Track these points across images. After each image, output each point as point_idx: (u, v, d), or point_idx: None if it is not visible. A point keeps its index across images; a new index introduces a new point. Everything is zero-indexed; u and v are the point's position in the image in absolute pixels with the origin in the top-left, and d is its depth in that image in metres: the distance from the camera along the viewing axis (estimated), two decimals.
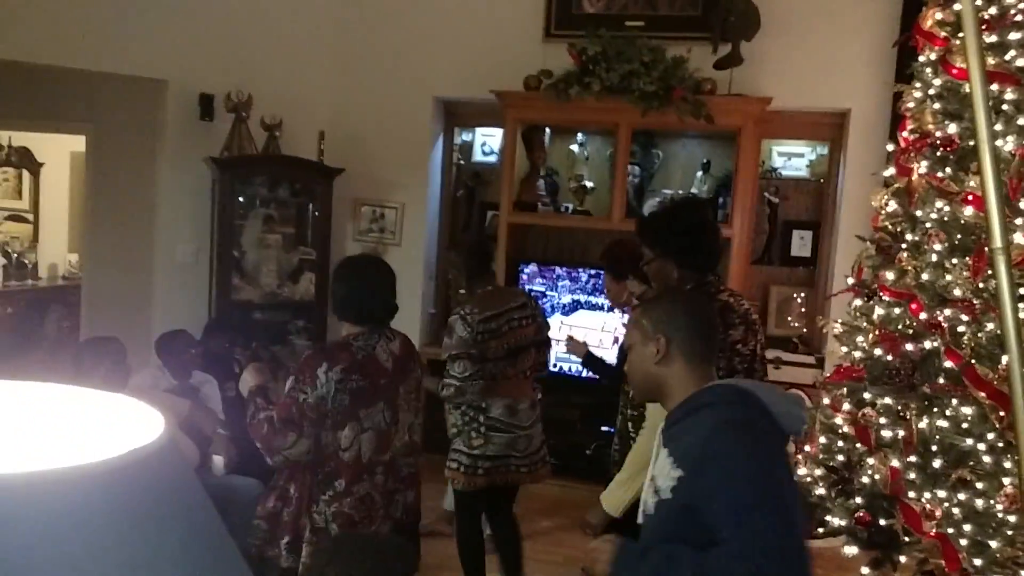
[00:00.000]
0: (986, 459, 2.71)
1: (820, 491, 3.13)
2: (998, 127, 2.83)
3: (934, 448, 2.85)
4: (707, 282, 2.76)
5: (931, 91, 3.18)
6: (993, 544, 2.65)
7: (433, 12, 5.40)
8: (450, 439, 3.58)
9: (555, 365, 5.10)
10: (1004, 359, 2.45)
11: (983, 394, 2.67)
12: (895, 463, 2.91)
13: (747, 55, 4.75)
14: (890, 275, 3.17)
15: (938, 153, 3.06)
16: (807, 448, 3.30)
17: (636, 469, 2.61)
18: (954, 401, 2.81)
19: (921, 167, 3.10)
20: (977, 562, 2.66)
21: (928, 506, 2.81)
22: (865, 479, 3.03)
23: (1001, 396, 2.57)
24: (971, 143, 2.87)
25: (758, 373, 2.71)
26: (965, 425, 2.77)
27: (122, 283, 5.39)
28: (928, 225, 3.05)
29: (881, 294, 3.22)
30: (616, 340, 4.88)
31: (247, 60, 5.12)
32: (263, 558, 2.72)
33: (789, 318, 5.15)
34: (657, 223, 2.81)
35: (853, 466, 3.09)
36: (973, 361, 2.72)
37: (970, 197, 2.87)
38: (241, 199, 5.21)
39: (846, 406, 3.22)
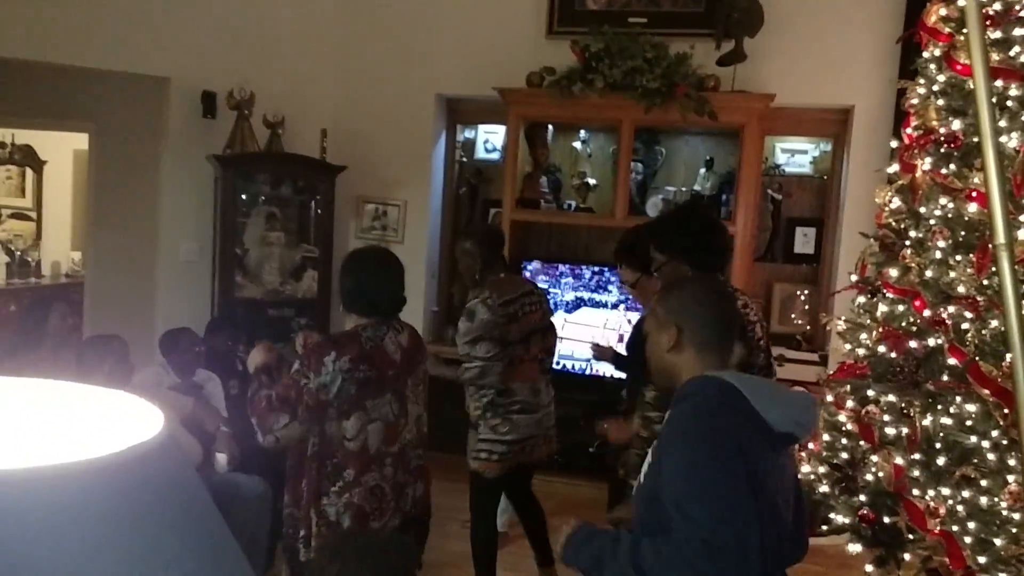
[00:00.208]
0: (990, 456, 2.70)
1: (824, 488, 3.13)
2: (1002, 123, 2.81)
3: (938, 445, 2.84)
4: (722, 284, 2.77)
5: (935, 87, 3.17)
6: (997, 542, 2.64)
7: (436, 9, 5.39)
8: (473, 427, 3.63)
9: (558, 363, 5.10)
10: (1008, 356, 2.45)
11: (987, 391, 2.66)
12: (899, 460, 2.90)
13: (750, 51, 4.73)
14: (894, 272, 3.16)
15: (942, 150, 3.05)
16: (811, 445, 3.29)
17: None
18: (958, 398, 2.80)
19: (925, 164, 3.09)
20: (981, 560, 2.65)
21: (932, 504, 2.81)
22: (869, 476, 3.03)
23: (1005, 393, 2.57)
24: (975, 139, 2.86)
25: (752, 369, 2.72)
26: (969, 422, 2.76)
27: (125, 281, 5.39)
28: (932, 222, 3.04)
29: (885, 291, 3.21)
30: (621, 338, 4.87)
31: (250, 58, 5.12)
32: (296, 548, 2.75)
33: (792, 315, 5.14)
34: (666, 226, 2.82)
35: (857, 463, 3.08)
36: (977, 358, 2.71)
37: (974, 194, 2.86)
38: (244, 197, 5.21)
39: (850, 403, 3.21)
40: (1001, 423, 2.66)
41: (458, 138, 5.76)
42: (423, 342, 2.96)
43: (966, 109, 2.99)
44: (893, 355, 3.05)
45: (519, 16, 5.20)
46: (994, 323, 2.73)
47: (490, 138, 5.72)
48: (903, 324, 3.09)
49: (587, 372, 5.05)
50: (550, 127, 5.32)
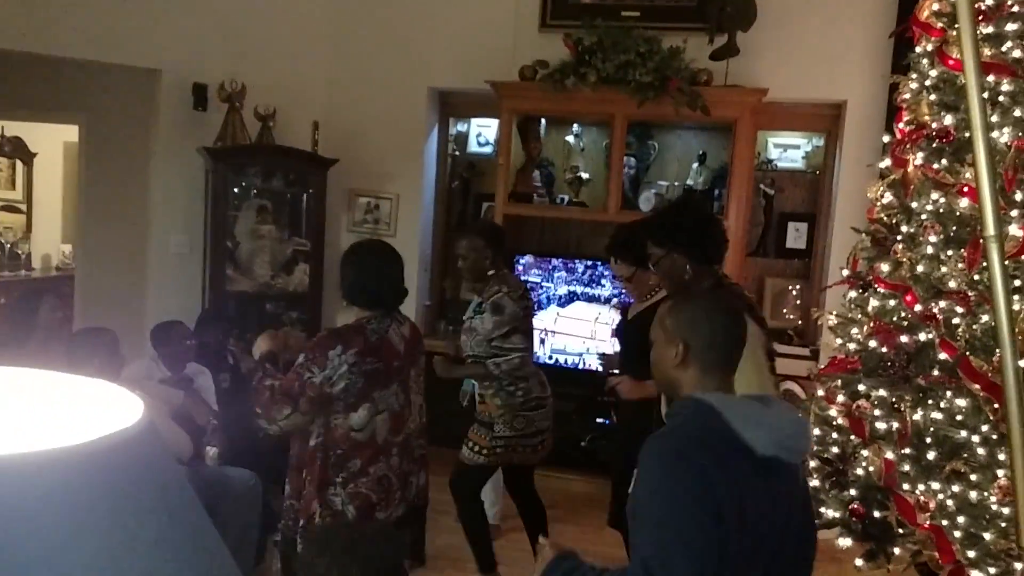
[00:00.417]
0: (980, 451, 2.71)
1: (815, 483, 3.13)
2: (994, 118, 2.82)
3: (928, 440, 2.85)
4: (723, 277, 2.76)
5: (927, 82, 3.17)
6: (987, 536, 2.65)
7: (428, 1, 5.37)
8: (485, 424, 3.62)
9: (551, 357, 5.10)
10: (998, 351, 2.45)
11: (977, 386, 2.67)
12: (889, 455, 2.91)
13: (743, 46, 4.73)
14: (885, 267, 3.16)
15: (934, 144, 3.05)
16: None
17: None
18: (948, 393, 2.80)
19: (917, 158, 3.09)
20: (971, 554, 2.66)
21: (922, 498, 2.82)
22: (859, 471, 3.04)
23: (995, 388, 2.57)
24: (967, 134, 2.86)
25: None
26: (959, 417, 2.77)
27: (115, 274, 5.37)
28: (923, 217, 3.04)
29: (876, 286, 3.22)
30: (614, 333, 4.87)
31: (241, 49, 5.10)
32: (295, 540, 2.75)
33: (784, 310, 5.14)
34: (664, 219, 2.81)
35: (847, 458, 3.09)
36: (968, 353, 2.72)
37: (966, 189, 2.86)
38: (235, 189, 5.19)
39: (840, 398, 3.21)
40: (991, 418, 2.66)
41: (450, 131, 5.74)
42: (421, 335, 3.01)
43: (958, 104, 2.99)
44: (884, 350, 3.06)
45: (512, 9, 5.18)
46: (985, 318, 2.73)
47: (483, 132, 5.71)
48: (894, 319, 3.09)
49: (579, 367, 5.05)
50: (543, 121, 5.31)
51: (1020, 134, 2.78)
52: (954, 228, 2.93)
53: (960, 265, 2.85)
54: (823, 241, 5.05)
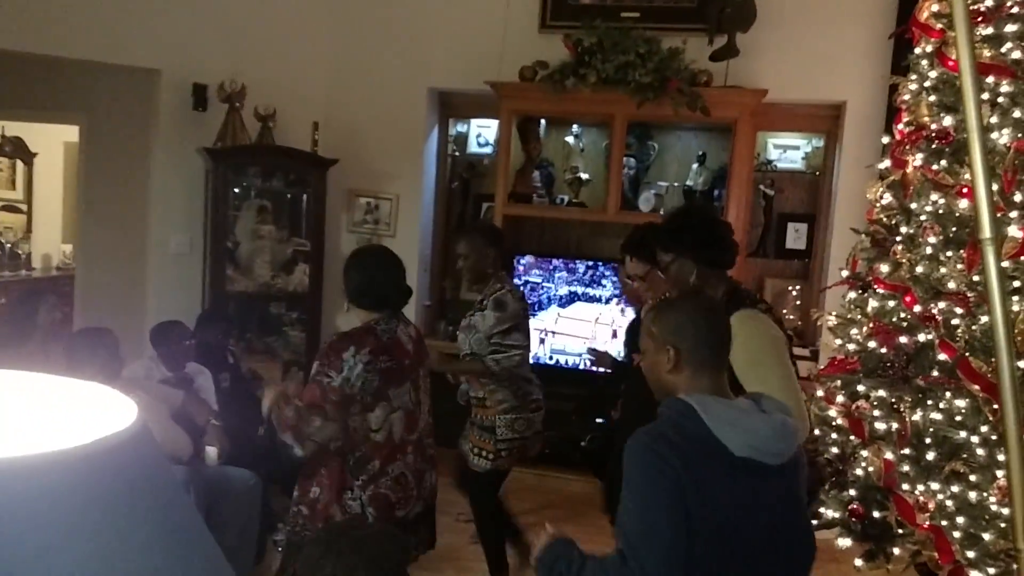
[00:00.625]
0: (979, 452, 2.71)
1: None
2: (993, 120, 2.82)
3: (928, 441, 2.85)
4: (738, 284, 2.73)
5: (927, 83, 3.18)
6: (986, 536, 2.65)
7: (428, 2, 5.38)
8: (486, 428, 3.60)
9: (551, 357, 5.11)
10: None
11: (977, 387, 2.67)
12: (889, 455, 2.91)
13: (743, 47, 4.73)
14: (885, 268, 3.16)
15: (933, 146, 3.05)
16: None
17: None
18: (948, 394, 2.81)
19: (916, 160, 3.10)
20: (970, 554, 2.67)
21: (921, 498, 2.82)
22: (859, 471, 3.04)
23: (995, 389, 2.57)
24: (966, 135, 2.86)
25: None
26: (959, 418, 2.77)
27: (116, 274, 5.37)
28: (923, 218, 3.04)
29: (875, 287, 3.22)
30: (615, 333, 4.88)
31: (241, 50, 5.10)
32: (303, 545, 2.75)
33: (784, 311, 5.14)
34: (671, 223, 2.76)
35: (847, 458, 3.09)
36: (967, 354, 2.72)
37: (965, 190, 2.86)
38: (235, 190, 5.19)
39: (840, 398, 3.22)
40: (990, 418, 2.67)
41: (450, 132, 5.75)
42: (423, 336, 3.07)
43: (957, 105, 2.99)
44: (883, 350, 3.06)
45: (512, 10, 5.18)
46: (984, 319, 2.73)
47: (482, 132, 5.71)
48: (894, 320, 3.10)
49: (579, 367, 5.05)
50: (543, 121, 5.31)
51: (1019, 135, 2.78)
52: (953, 229, 2.93)
53: (959, 266, 2.85)
54: (823, 242, 5.06)
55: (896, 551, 3.00)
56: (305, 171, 5.27)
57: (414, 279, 5.41)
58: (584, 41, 4.78)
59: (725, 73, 4.76)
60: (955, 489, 2.74)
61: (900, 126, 3.32)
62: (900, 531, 2.92)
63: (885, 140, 3.48)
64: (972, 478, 2.72)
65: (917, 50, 3.29)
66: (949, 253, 2.92)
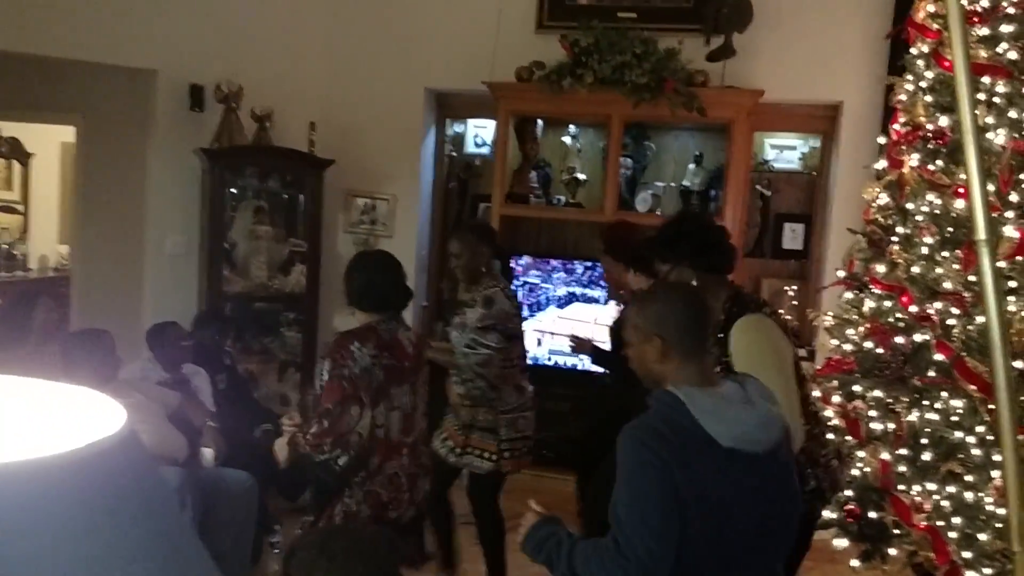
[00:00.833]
0: (976, 452, 2.71)
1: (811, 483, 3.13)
2: (989, 120, 2.82)
3: (924, 441, 2.85)
4: (740, 288, 2.72)
5: (923, 84, 3.18)
6: (982, 537, 2.65)
7: (425, 2, 5.37)
8: (488, 429, 3.50)
9: (548, 358, 5.11)
10: None
11: (973, 387, 2.68)
12: (885, 456, 2.91)
13: (740, 47, 4.73)
14: (881, 268, 3.17)
15: (930, 146, 3.06)
16: None
17: None
18: (944, 394, 2.81)
19: (913, 160, 3.10)
20: (966, 554, 2.67)
21: (918, 499, 2.82)
22: (855, 472, 3.04)
23: (991, 389, 2.57)
24: (962, 136, 2.86)
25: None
26: (955, 418, 2.77)
27: (112, 274, 5.36)
28: (919, 218, 3.05)
29: (872, 287, 3.23)
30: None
31: (237, 50, 5.09)
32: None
33: (781, 311, 5.14)
34: (666, 233, 2.74)
35: (843, 458, 3.09)
36: (963, 354, 2.72)
37: (961, 190, 2.87)
38: (232, 190, 5.19)
39: (836, 399, 3.22)
40: (987, 419, 2.67)
41: (447, 132, 5.74)
42: (423, 345, 3.09)
43: (954, 105, 2.99)
44: (880, 351, 3.06)
45: (509, 10, 5.18)
46: (980, 319, 2.74)
47: (479, 132, 5.71)
48: (890, 320, 3.10)
49: (577, 367, 5.05)
50: (539, 122, 5.31)
51: (1015, 135, 2.78)
52: (950, 229, 2.93)
53: (956, 266, 2.85)
54: (819, 242, 5.06)
55: (892, 551, 3.01)
56: (302, 172, 5.26)
57: (411, 280, 5.40)
58: (581, 41, 4.78)
59: (722, 73, 4.76)
60: (951, 489, 2.74)
61: (896, 126, 3.33)
62: (896, 531, 2.93)
63: (881, 140, 3.49)
64: (968, 478, 2.72)
65: (913, 50, 3.30)
66: (945, 253, 2.92)
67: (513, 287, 5.14)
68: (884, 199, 3.32)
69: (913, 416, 2.89)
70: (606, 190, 4.96)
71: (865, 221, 3.47)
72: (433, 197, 5.71)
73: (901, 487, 2.88)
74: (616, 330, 3.88)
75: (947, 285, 2.87)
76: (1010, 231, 2.70)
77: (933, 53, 3.12)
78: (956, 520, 2.71)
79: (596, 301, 5.06)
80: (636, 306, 2.00)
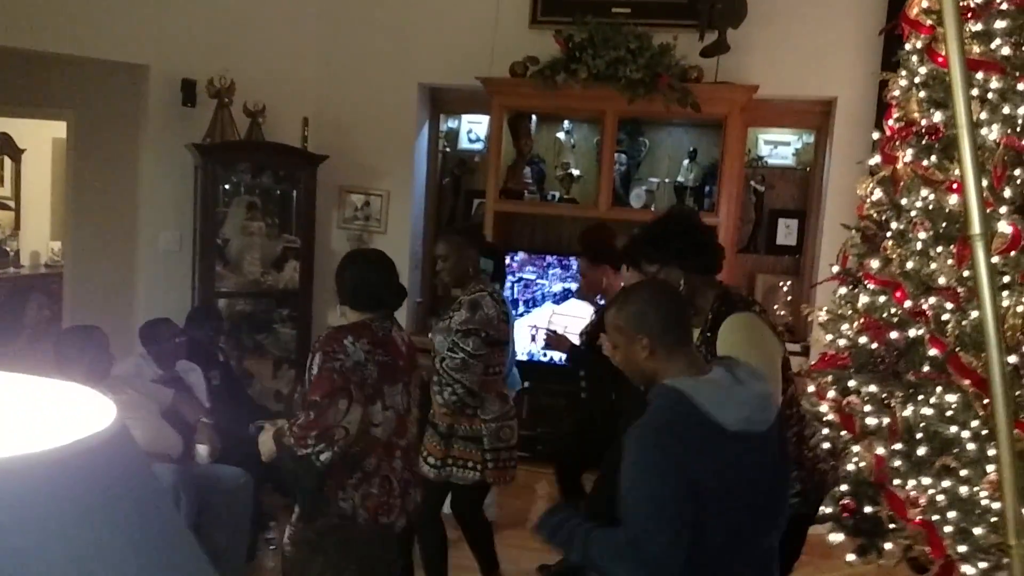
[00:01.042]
0: (970, 446, 2.71)
1: (795, 486, 3.14)
2: (983, 115, 2.82)
3: (919, 436, 2.86)
4: (728, 288, 2.69)
5: (917, 79, 3.18)
6: (977, 531, 2.66)
7: None
8: (474, 438, 3.38)
9: (544, 353, 5.10)
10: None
11: (967, 382, 2.68)
12: (880, 451, 2.92)
13: (734, 43, 4.73)
14: (875, 263, 3.17)
15: (923, 141, 3.06)
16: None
17: None
18: (938, 389, 2.81)
19: (906, 155, 3.10)
20: (961, 549, 2.67)
21: (913, 493, 2.82)
22: (850, 467, 3.04)
23: (985, 383, 2.58)
24: (956, 131, 2.86)
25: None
26: (949, 413, 2.78)
27: (104, 271, 5.35)
28: (913, 213, 3.05)
29: (866, 282, 3.23)
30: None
31: (230, 45, 5.07)
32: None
33: (775, 306, 5.14)
34: (651, 233, 2.72)
35: (838, 454, 3.10)
36: (957, 349, 2.73)
37: (955, 185, 2.87)
38: (224, 186, 5.17)
39: (831, 394, 3.22)
40: (981, 413, 2.67)
41: (441, 128, 5.73)
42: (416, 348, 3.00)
43: (947, 101, 3.00)
44: (874, 346, 3.06)
45: (503, 5, 5.17)
46: (974, 314, 2.74)
47: (473, 128, 5.70)
48: (884, 315, 3.10)
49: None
50: (534, 117, 5.30)
51: (1009, 131, 2.78)
52: (943, 224, 2.93)
53: (949, 261, 2.85)
54: (813, 237, 5.07)
55: (888, 546, 3.01)
56: (295, 167, 5.24)
57: (405, 276, 5.38)
58: (575, 37, 4.77)
59: (716, 69, 4.76)
60: (946, 484, 2.75)
61: (890, 122, 3.33)
62: (892, 526, 2.93)
63: (875, 136, 3.49)
64: (963, 473, 2.72)
65: (907, 46, 3.29)
66: (939, 248, 2.92)
67: (508, 287, 5.15)
68: (878, 195, 3.32)
69: (907, 411, 2.89)
70: (600, 186, 4.96)
71: (859, 216, 3.47)
72: (427, 193, 5.70)
73: (896, 482, 2.88)
74: (591, 334, 3.86)
75: (941, 280, 2.87)
76: (1003, 226, 2.70)
77: (927, 49, 3.11)
78: (951, 514, 2.71)
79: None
80: (615, 309, 2.01)
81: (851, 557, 3.08)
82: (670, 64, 4.69)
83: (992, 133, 2.80)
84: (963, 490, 2.71)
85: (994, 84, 2.85)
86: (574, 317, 4.93)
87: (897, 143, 3.18)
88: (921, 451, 2.84)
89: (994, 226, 2.66)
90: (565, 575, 3.89)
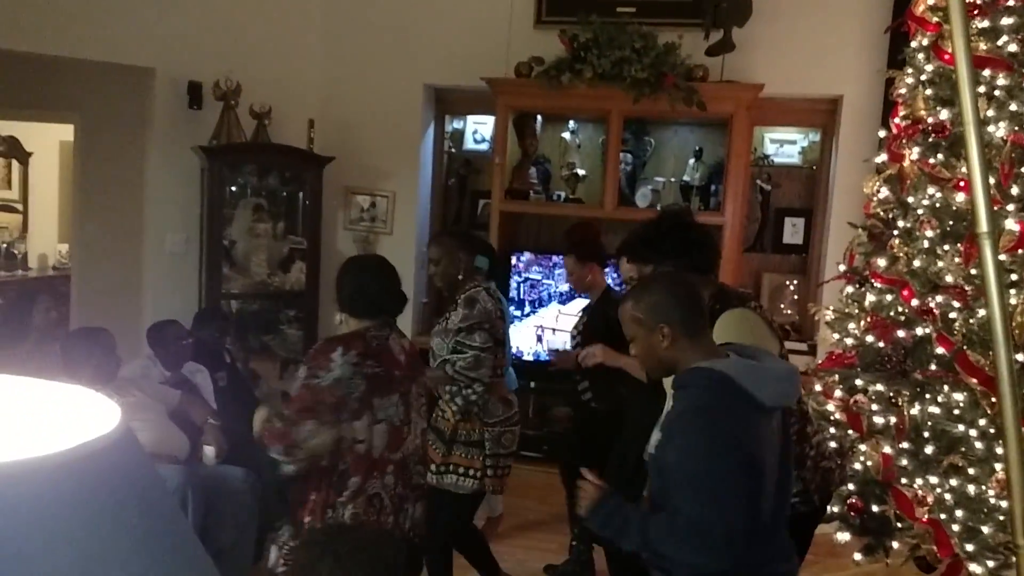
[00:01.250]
0: (978, 445, 2.71)
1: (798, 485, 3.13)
2: (990, 113, 2.82)
3: (926, 434, 2.85)
4: (723, 286, 2.67)
5: (923, 77, 3.17)
6: (985, 529, 2.65)
7: None
8: (475, 443, 3.29)
9: (549, 354, 5.09)
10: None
11: (975, 380, 2.67)
12: (887, 449, 2.91)
13: (739, 41, 4.72)
14: (882, 262, 3.16)
15: (930, 139, 3.05)
16: None
17: None
18: (946, 387, 2.81)
19: (913, 153, 3.09)
20: (969, 547, 2.67)
21: (920, 492, 2.82)
22: (857, 466, 3.04)
23: (992, 382, 2.57)
24: (962, 129, 2.86)
25: None
26: (957, 411, 2.77)
27: (112, 273, 5.36)
28: (920, 212, 3.04)
29: (873, 281, 3.22)
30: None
31: (235, 47, 5.08)
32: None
33: (781, 305, 5.14)
34: (647, 233, 2.69)
35: (845, 453, 3.09)
36: (965, 347, 2.72)
37: (962, 183, 2.86)
38: (231, 188, 5.18)
39: (838, 393, 3.22)
40: (988, 412, 2.67)
41: (447, 128, 5.73)
42: (418, 352, 2.92)
43: (954, 99, 2.99)
44: (881, 344, 3.06)
45: (507, 5, 5.17)
46: (981, 312, 2.73)
47: (479, 128, 5.70)
48: (891, 314, 3.10)
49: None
50: (539, 117, 5.30)
51: (1016, 128, 2.78)
52: (950, 223, 2.93)
53: (957, 260, 2.85)
54: (820, 236, 5.05)
55: (895, 545, 3.00)
56: (301, 169, 5.25)
57: (412, 276, 5.40)
58: (580, 36, 4.77)
59: (721, 68, 4.75)
60: (954, 482, 2.74)
61: (896, 120, 3.32)
62: (899, 525, 2.93)
63: (882, 134, 3.48)
64: (971, 471, 2.72)
65: (913, 44, 3.29)
66: (946, 247, 2.92)
67: (513, 287, 5.16)
68: (884, 193, 3.31)
69: (915, 410, 2.88)
70: (606, 186, 4.96)
71: (865, 215, 3.47)
72: (433, 194, 5.71)
73: (903, 480, 2.88)
74: (584, 332, 3.84)
75: (948, 279, 2.86)
76: (1011, 224, 2.69)
77: (933, 46, 3.11)
78: (958, 513, 2.71)
79: None
80: (632, 301, 2.03)
81: (858, 556, 3.07)
82: (675, 63, 4.69)
83: (999, 130, 2.79)
84: (971, 489, 2.70)
85: (1001, 81, 2.84)
86: (577, 317, 4.94)
87: (903, 141, 3.18)
88: (928, 450, 2.83)
89: (1001, 224, 2.65)
90: (568, 573, 3.90)
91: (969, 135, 1.47)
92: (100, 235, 5.46)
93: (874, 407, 3.03)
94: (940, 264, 2.91)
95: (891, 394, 2.99)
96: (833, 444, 3.16)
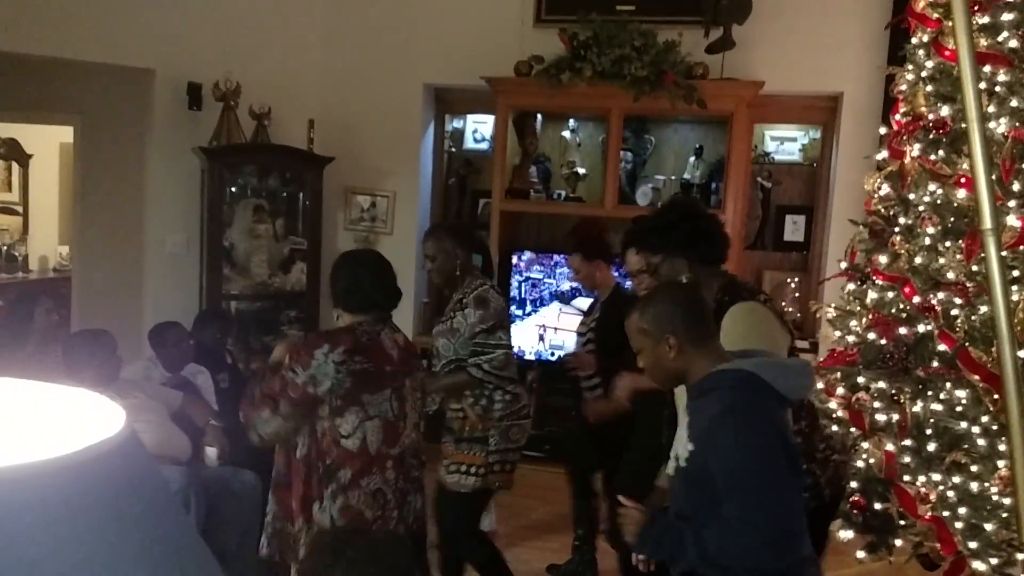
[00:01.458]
0: (980, 442, 2.70)
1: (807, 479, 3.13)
2: (991, 109, 2.81)
3: (928, 432, 2.85)
4: (734, 278, 2.64)
5: (924, 73, 3.17)
6: (988, 527, 2.65)
7: None
8: (479, 439, 3.22)
9: (552, 353, 5.10)
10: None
11: (977, 377, 2.67)
12: (890, 447, 2.91)
13: (739, 39, 4.72)
14: (883, 259, 3.16)
15: (931, 136, 3.05)
16: None
17: None
18: (948, 384, 2.80)
19: (914, 150, 3.09)
20: (972, 545, 2.67)
21: (923, 489, 2.82)
22: (860, 463, 3.03)
23: (995, 379, 2.57)
24: (963, 125, 2.85)
25: None
26: (959, 408, 2.77)
27: (112, 274, 5.36)
28: (921, 208, 3.04)
29: (874, 278, 3.22)
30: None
31: (235, 48, 5.08)
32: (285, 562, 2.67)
33: (783, 303, 5.14)
34: (653, 222, 2.68)
35: (848, 450, 3.09)
36: (967, 344, 2.71)
37: (963, 180, 2.86)
38: (231, 189, 5.18)
39: (840, 390, 3.21)
40: (991, 409, 2.66)
41: (447, 128, 5.73)
42: (417, 348, 2.89)
43: (955, 95, 2.99)
44: (883, 342, 3.05)
45: (507, 4, 5.17)
46: (983, 309, 2.73)
47: (479, 128, 5.70)
48: (893, 311, 3.09)
49: None
50: (539, 116, 5.30)
51: (1017, 124, 2.77)
52: (952, 219, 2.92)
53: (958, 256, 2.85)
54: (821, 233, 5.05)
55: (898, 542, 3.00)
56: (301, 169, 5.25)
57: (412, 276, 5.41)
58: (580, 35, 4.77)
59: (721, 65, 4.75)
60: (956, 480, 2.74)
61: (897, 116, 3.32)
62: (902, 522, 2.92)
63: (882, 131, 3.48)
64: (973, 468, 2.71)
65: (914, 40, 3.29)
66: (948, 243, 2.91)
67: (514, 286, 5.16)
68: (885, 190, 3.31)
69: (917, 407, 2.88)
70: (606, 184, 4.95)
71: (867, 212, 3.46)
72: (433, 193, 5.71)
73: (906, 478, 2.87)
74: (598, 329, 3.82)
75: (950, 275, 2.86)
76: (1012, 220, 2.69)
77: (933, 42, 3.10)
78: (962, 510, 2.71)
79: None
80: (638, 313, 2.02)
81: (861, 554, 3.07)
82: (675, 61, 4.68)
83: (1000, 126, 2.79)
84: (974, 486, 2.70)
85: (1002, 77, 2.84)
86: (579, 316, 4.93)
87: (904, 138, 3.17)
88: (931, 447, 2.83)
89: (1003, 220, 2.65)
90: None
91: (972, 132, 1.46)
92: (100, 237, 5.46)
93: (876, 404, 3.02)
94: (941, 261, 2.91)
95: (893, 391, 2.99)
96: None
